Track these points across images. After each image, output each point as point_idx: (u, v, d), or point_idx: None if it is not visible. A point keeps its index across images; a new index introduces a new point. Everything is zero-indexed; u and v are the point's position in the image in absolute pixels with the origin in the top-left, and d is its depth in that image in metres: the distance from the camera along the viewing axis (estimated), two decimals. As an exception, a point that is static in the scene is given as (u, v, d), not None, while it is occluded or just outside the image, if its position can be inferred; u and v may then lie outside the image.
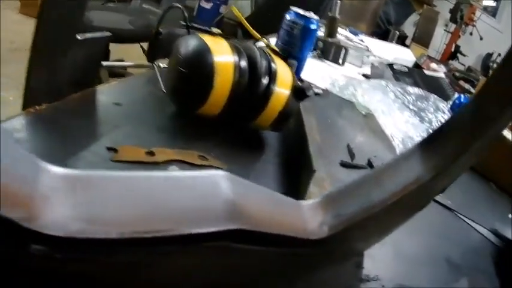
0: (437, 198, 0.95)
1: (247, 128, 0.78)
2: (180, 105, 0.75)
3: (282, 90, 0.72)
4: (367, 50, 2.04)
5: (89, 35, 0.79)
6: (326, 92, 1.27)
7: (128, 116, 0.74)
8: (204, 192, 0.33)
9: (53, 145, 0.62)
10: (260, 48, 0.75)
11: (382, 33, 3.05)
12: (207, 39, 0.71)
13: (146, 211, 0.28)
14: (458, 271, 0.75)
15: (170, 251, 0.29)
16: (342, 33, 2.12)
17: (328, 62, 1.57)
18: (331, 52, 1.55)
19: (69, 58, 0.76)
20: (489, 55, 5.17)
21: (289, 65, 1.09)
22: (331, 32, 1.62)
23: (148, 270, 0.29)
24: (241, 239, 0.32)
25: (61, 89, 0.74)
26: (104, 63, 0.84)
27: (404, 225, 0.77)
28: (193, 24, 0.80)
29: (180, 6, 0.83)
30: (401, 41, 2.96)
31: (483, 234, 0.93)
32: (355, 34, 2.30)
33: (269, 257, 0.38)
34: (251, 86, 0.70)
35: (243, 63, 0.70)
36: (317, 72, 1.40)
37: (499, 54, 5.20)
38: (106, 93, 0.80)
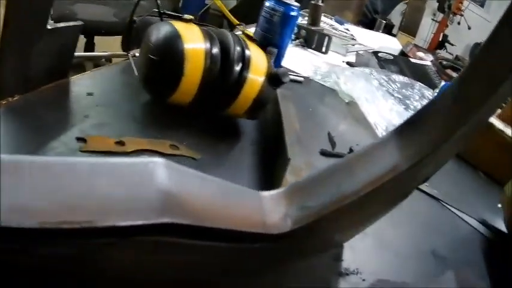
0: (423, 187, 0.94)
1: (222, 116, 0.76)
2: (151, 93, 0.74)
3: (256, 77, 0.70)
4: (353, 38, 2.02)
5: (59, 25, 0.77)
6: (308, 80, 1.26)
7: (99, 105, 0.72)
8: (134, 181, 0.30)
9: (24, 136, 0.61)
10: (235, 35, 0.73)
11: (368, 22, 3.03)
12: (179, 26, 0.69)
13: (68, 200, 0.26)
14: (445, 263, 0.73)
15: (98, 244, 0.27)
16: (327, 22, 2.10)
17: (311, 51, 1.55)
18: (314, 40, 1.53)
19: (40, 48, 0.74)
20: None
21: (269, 52, 1.09)
22: (314, 20, 1.60)
23: (78, 264, 0.27)
24: (183, 233, 0.30)
25: (34, 80, 0.73)
26: (77, 54, 0.81)
27: (388, 216, 0.75)
28: (166, 11, 0.78)
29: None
30: (388, 30, 2.94)
31: (471, 225, 0.91)
32: (341, 23, 2.28)
33: (224, 252, 0.35)
34: (223, 73, 0.68)
35: (215, 50, 0.68)
36: (299, 60, 1.38)
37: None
38: (79, 84, 0.78)
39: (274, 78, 0.72)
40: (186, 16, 0.73)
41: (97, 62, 1.93)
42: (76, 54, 0.82)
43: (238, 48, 0.70)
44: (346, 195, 0.39)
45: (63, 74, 0.78)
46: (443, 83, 1.83)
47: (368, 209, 0.47)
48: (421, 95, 1.47)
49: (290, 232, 0.37)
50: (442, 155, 0.44)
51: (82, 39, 2.40)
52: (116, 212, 0.27)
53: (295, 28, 1.52)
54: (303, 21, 1.72)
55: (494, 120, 1.25)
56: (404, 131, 0.44)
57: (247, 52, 0.70)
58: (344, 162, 0.44)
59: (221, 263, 0.37)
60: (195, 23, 0.73)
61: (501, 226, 0.92)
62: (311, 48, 1.54)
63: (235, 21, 1.36)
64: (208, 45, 0.68)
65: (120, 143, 0.63)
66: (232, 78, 0.68)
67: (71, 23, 0.81)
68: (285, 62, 1.23)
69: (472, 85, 0.42)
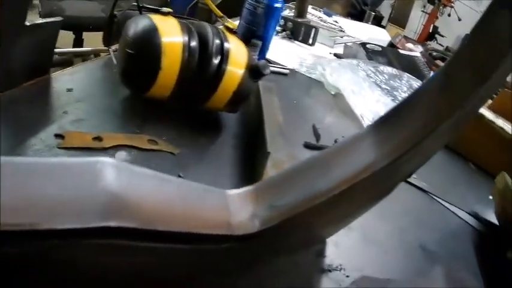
0: (411, 180, 0.93)
1: (202, 110, 0.75)
2: (130, 88, 0.73)
3: (236, 69, 0.70)
4: (341, 30, 2.01)
5: (37, 21, 0.76)
6: (293, 72, 1.25)
7: (79, 101, 0.72)
8: (80, 182, 0.29)
9: (3, 134, 0.60)
10: (215, 28, 0.72)
11: (357, 14, 3.03)
12: (157, 19, 0.68)
13: (11, 202, 0.25)
14: (433, 258, 0.72)
15: (42, 246, 0.26)
16: (315, 15, 2.09)
17: (298, 43, 1.54)
18: (301, 32, 1.52)
19: (20, 46, 0.73)
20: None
21: (253, 44, 1.08)
22: (300, 12, 1.59)
23: (26, 265, 0.27)
24: (132, 236, 0.29)
25: (14, 77, 0.72)
26: (57, 50, 0.81)
27: (374, 209, 0.74)
28: (145, 5, 0.77)
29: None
30: (378, 22, 2.94)
31: (462, 218, 0.90)
32: (329, 15, 2.27)
33: (187, 254, 0.34)
34: (202, 66, 0.67)
35: (193, 43, 0.67)
36: (285, 52, 1.38)
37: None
38: (60, 80, 0.77)
39: (255, 71, 0.71)
40: (164, 9, 0.72)
41: (86, 58, 1.92)
42: (56, 50, 0.81)
43: (217, 41, 0.69)
44: (318, 194, 0.37)
45: (44, 71, 0.77)
46: (432, 73, 1.82)
47: (347, 206, 0.46)
48: (409, 86, 1.46)
49: (258, 233, 0.36)
50: (426, 149, 0.43)
51: (71, 35, 2.38)
52: (59, 214, 0.26)
53: (282, 20, 1.52)
54: (289, 13, 1.71)
55: (484, 111, 1.24)
56: (383, 126, 0.42)
57: (226, 45, 0.69)
58: (317, 159, 0.42)
59: (187, 265, 0.36)
60: (173, 16, 0.72)
61: (493, 218, 0.91)
62: (298, 40, 1.54)
63: (220, 14, 1.35)
64: (186, 38, 0.67)
65: (98, 139, 0.63)
66: (210, 71, 0.68)
67: (50, 19, 0.80)
68: (271, 54, 1.22)
69: (458, 76, 0.40)
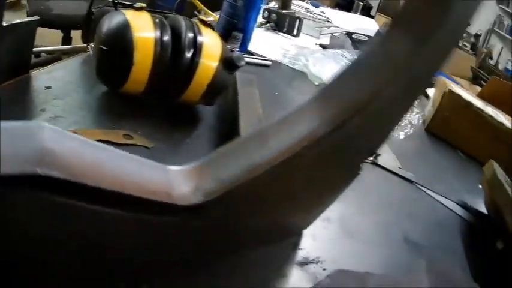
0: (396, 170, 0.93)
1: (178, 103, 0.75)
2: (105, 84, 0.73)
3: (209, 62, 0.70)
4: (328, 21, 2.01)
5: (14, 21, 0.77)
6: (276, 64, 1.25)
7: (57, 98, 0.72)
8: (16, 139, 0.29)
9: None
10: (189, 21, 0.73)
11: (346, 4, 3.03)
12: (130, 15, 0.69)
13: None
14: (418, 250, 0.72)
15: None
16: (302, 6, 2.09)
17: (282, 34, 1.54)
18: (285, 24, 1.52)
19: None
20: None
21: (234, 37, 1.08)
22: (285, 3, 1.59)
23: None
24: (64, 191, 0.29)
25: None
26: (36, 49, 0.81)
27: (356, 201, 0.75)
28: (120, 1, 0.78)
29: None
30: (366, 12, 2.94)
31: (450, 208, 0.89)
32: (316, 6, 2.27)
33: (134, 223, 0.35)
34: (175, 59, 0.68)
35: (166, 37, 0.67)
36: (269, 44, 1.38)
37: (469, 24, 5.20)
38: (39, 78, 0.78)
39: (229, 63, 0.72)
40: (138, 4, 0.72)
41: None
42: (36, 49, 0.81)
43: (190, 35, 0.69)
44: (258, 165, 0.38)
45: (23, 70, 0.78)
46: None
47: (301, 182, 0.45)
48: None
49: (201, 204, 0.36)
50: (376, 118, 0.43)
51: (59, 34, 2.39)
52: None
53: (266, 12, 1.52)
54: (274, 5, 1.71)
55: (473, 99, 1.24)
56: (325, 95, 0.42)
57: (199, 38, 0.70)
58: (259, 132, 0.42)
59: (127, 235, 0.36)
60: (148, 10, 0.73)
61: (482, 208, 0.90)
62: (282, 32, 1.54)
63: (202, 7, 1.36)
64: (158, 33, 0.67)
65: (75, 135, 0.63)
66: (183, 64, 0.68)
67: (26, 19, 0.81)
68: (253, 46, 1.23)
69: (399, 39, 0.40)
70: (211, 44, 0.71)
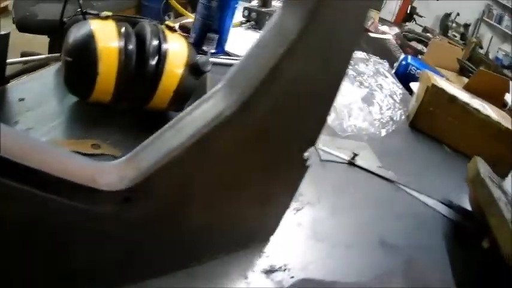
0: (375, 169, 0.92)
1: (148, 110, 0.76)
2: (73, 94, 0.74)
3: (174, 69, 0.71)
4: (312, 18, 2.01)
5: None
6: None
7: (29, 110, 0.73)
8: None
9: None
10: (155, 28, 0.73)
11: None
12: (95, 25, 0.69)
13: None
14: (394, 252, 0.71)
15: None
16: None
17: (264, 33, 1.53)
18: (266, 22, 1.52)
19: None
20: (447, 15, 5.19)
21: (209, 38, 1.09)
22: (265, 2, 1.58)
23: None
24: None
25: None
26: (10, 60, 0.82)
27: (331, 203, 0.76)
28: (88, 11, 0.78)
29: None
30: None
31: (432, 207, 0.88)
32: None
33: (69, 210, 0.37)
34: (139, 68, 0.69)
35: (130, 46, 0.68)
36: (248, 43, 1.36)
37: (458, 14, 5.21)
38: (13, 90, 0.78)
39: (195, 69, 0.73)
40: (104, 13, 0.73)
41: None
42: (9, 60, 0.82)
43: (154, 42, 0.70)
44: (173, 149, 0.41)
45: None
46: (403, 55, 1.83)
47: (229, 169, 0.46)
48: (376, 71, 1.47)
49: (125, 190, 0.39)
50: (290, 101, 0.45)
51: (45, 39, 2.38)
52: None
53: (246, 11, 1.52)
54: (254, 3, 1.70)
55: (458, 91, 1.25)
56: (231, 78, 0.45)
57: (164, 45, 0.71)
58: (175, 121, 0.45)
59: (59, 218, 0.38)
60: (115, 19, 0.73)
61: (468, 205, 0.89)
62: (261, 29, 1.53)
63: (183, 11, 1.36)
64: (122, 42, 0.68)
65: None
66: (148, 72, 0.69)
67: (-1, 33, 0.81)
68: (231, 47, 1.22)
69: (289, 17, 0.42)
70: (176, 50, 0.72)
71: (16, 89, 0.79)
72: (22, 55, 2.08)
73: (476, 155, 1.01)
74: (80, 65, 0.68)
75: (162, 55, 0.70)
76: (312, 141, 0.51)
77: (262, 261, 0.59)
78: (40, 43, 2.24)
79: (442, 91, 1.20)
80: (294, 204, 0.72)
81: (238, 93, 0.41)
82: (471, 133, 1.19)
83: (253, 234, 0.60)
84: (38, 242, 0.38)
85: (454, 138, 1.21)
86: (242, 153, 0.46)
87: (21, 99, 0.75)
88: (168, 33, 0.74)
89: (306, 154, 0.52)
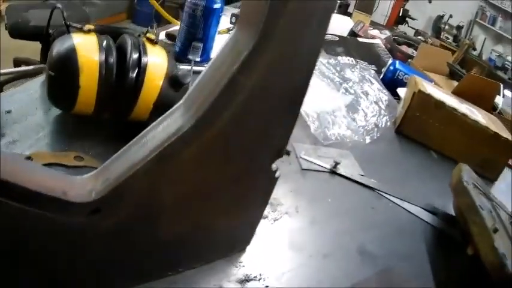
0: (356, 177, 0.92)
1: (129, 122, 0.78)
2: (56, 106, 0.76)
3: (153, 81, 0.73)
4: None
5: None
6: None
7: (15, 122, 0.75)
8: None
9: None
10: (136, 40, 0.75)
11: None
12: (77, 39, 0.71)
13: None
14: (372, 261, 0.71)
15: None
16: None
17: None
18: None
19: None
20: (440, 17, 5.22)
21: (194, 47, 1.10)
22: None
23: None
24: None
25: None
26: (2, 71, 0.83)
27: (310, 212, 0.77)
28: (72, 24, 0.80)
29: (59, 6, 0.84)
30: (344, 9, 2.94)
31: (414, 214, 0.87)
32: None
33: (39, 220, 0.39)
34: (119, 80, 0.71)
35: (111, 60, 0.70)
36: None
37: (451, 16, 5.24)
38: (1, 102, 0.79)
39: (174, 81, 0.74)
40: (86, 27, 0.74)
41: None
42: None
43: (134, 56, 0.72)
44: (136, 163, 0.43)
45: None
46: (391, 60, 1.83)
47: (197, 180, 0.49)
48: (362, 77, 1.47)
49: (92, 202, 0.42)
50: (252, 113, 0.47)
51: (38, 44, 2.39)
52: None
53: (234, 18, 1.53)
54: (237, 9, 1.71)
55: (446, 97, 1.25)
56: (190, 95, 0.47)
57: (144, 59, 0.72)
58: (138, 136, 0.48)
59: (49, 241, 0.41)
60: (97, 31, 0.75)
61: (452, 211, 0.88)
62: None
63: (170, 18, 1.38)
64: (103, 56, 0.70)
65: (28, 159, 0.66)
66: (128, 85, 0.71)
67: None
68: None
69: (243, 32, 0.45)
70: (155, 63, 0.74)
71: (4, 100, 0.80)
72: (14, 61, 2.10)
73: (465, 160, 1.01)
74: (61, 78, 0.70)
75: (141, 68, 0.72)
76: (279, 152, 0.52)
77: (238, 271, 0.60)
78: (33, 49, 2.25)
79: (429, 96, 1.20)
80: (272, 214, 0.73)
81: (196, 109, 0.44)
82: (459, 138, 1.19)
83: (229, 244, 0.61)
84: (12, 251, 0.41)
85: (441, 144, 1.21)
86: (207, 165, 0.48)
87: (8, 111, 0.77)
88: (148, 45, 0.76)
89: (273, 166, 0.54)
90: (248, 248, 0.64)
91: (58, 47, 0.71)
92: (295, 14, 0.43)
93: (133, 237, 0.47)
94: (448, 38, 5.02)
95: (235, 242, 0.62)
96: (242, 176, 0.53)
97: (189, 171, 0.47)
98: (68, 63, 0.68)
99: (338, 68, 1.46)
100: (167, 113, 0.48)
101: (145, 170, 0.43)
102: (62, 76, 0.69)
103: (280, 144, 0.53)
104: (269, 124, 0.50)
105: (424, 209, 0.90)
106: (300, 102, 0.50)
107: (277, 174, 0.55)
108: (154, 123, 0.48)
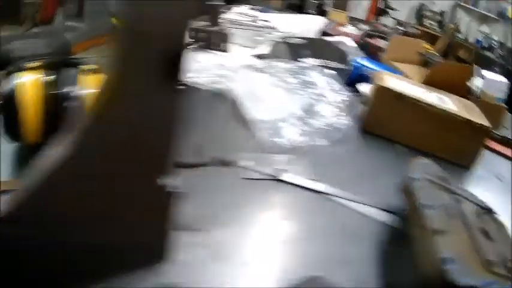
0: (303, 182, 0.90)
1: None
2: (11, 139, 0.84)
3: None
4: (271, 27, 2.02)
5: None
6: (193, 87, 1.25)
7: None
8: None
9: None
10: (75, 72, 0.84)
11: (299, 5, 3.08)
12: (23, 77, 0.80)
13: None
14: (313, 267, 0.69)
15: None
16: (247, 14, 2.11)
17: (214, 52, 1.59)
18: (213, 40, 1.59)
19: None
20: (422, 5, 5.21)
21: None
22: (213, 21, 1.63)
23: None
24: None
25: None
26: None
27: (247, 222, 0.77)
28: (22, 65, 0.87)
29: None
30: (320, 9, 3.00)
31: (368, 215, 0.85)
32: (267, 12, 2.29)
33: None
34: (60, 112, 0.79)
35: (51, 94, 0.80)
36: (194, 65, 1.39)
37: (433, 2, 5.23)
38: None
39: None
40: (32, 64, 0.82)
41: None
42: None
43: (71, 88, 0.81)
44: (31, 184, 0.52)
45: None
46: (357, 58, 1.83)
47: (88, 195, 0.55)
48: (322, 79, 1.44)
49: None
50: (121, 135, 0.54)
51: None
52: None
53: (193, 32, 1.57)
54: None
55: (411, 87, 1.24)
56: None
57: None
58: (37, 161, 0.54)
59: None
60: (46, 65, 0.84)
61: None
62: (211, 49, 1.59)
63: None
64: (44, 91, 0.79)
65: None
66: (67, 115, 0.79)
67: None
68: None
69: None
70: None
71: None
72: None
73: (437, 150, 1.04)
74: (8, 116, 0.79)
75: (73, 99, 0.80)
76: (163, 170, 0.57)
77: (156, 280, 0.61)
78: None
79: (389, 90, 1.18)
80: (205, 226, 0.73)
81: (70, 142, 0.52)
82: (427, 129, 1.17)
83: (145, 255, 0.62)
84: None
85: (410, 138, 1.18)
86: (94, 186, 0.54)
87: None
88: (81, 77, 0.84)
89: (159, 180, 0.57)
90: (173, 259, 0.64)
91: (4, 87, 0.80)
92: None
93: (44, 252, 0.54)
94: (431, 25, 5.03)
95: (151, 254, 0.63)
96: (131, 195, 0.57)
97: (80, 191, 0.54)
98: (12, 102, 0.78)
99: (299, 72, 1.46)
100: (56, 141, 0.55)
101: (39, 191, 0.52)
102: (8, 114, 0.79)
103: (162, 163, 0.57)
104: (143, 149, 0.56)
105: (380, 208, 0.87)
106: (171, 132, 0.58)
107: (170, 189, 0.58)
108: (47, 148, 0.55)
